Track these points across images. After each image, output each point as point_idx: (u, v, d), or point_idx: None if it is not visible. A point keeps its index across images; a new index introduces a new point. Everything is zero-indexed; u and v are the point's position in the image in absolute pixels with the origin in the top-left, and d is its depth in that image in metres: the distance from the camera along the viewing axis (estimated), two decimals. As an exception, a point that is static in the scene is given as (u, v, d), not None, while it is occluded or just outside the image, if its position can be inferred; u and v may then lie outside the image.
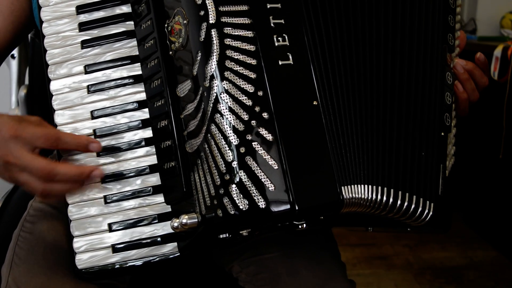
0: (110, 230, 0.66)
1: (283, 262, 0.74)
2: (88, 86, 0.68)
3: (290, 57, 0.59)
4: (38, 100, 0.99)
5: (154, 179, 0.66)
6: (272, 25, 0.59)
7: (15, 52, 1.01)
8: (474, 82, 0.74)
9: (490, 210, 2.14)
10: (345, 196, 0.58)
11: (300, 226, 0.61)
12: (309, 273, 0.73)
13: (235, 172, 0.55)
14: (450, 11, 0.72)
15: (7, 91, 0.99)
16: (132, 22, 0.69)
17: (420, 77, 0.67)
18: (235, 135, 0.55)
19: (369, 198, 0.60)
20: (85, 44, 0.69)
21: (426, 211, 0.63)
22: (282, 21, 0.59)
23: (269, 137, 0.56)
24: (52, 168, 0.57)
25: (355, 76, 0.63)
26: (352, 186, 0.59)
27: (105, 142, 0.67)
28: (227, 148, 0.55)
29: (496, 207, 2.08)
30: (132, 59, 0.68)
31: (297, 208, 0.55)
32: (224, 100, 0.56)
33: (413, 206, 0.62)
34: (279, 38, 0.59)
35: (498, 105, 1.92)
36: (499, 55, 1.96)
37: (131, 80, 0.68)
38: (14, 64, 0.99)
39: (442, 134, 0.68)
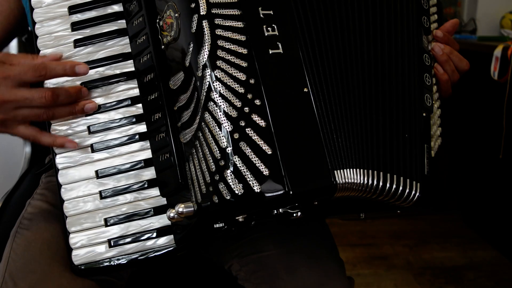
0: (106, 225, 0.70)
1: (281, 259, 0.78)
2: (81, 84, 0.73)
3: (280, 46, 0.64)
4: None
5: (149, 173, 0.71)
6: (261, 15, 0.64)
7: (14, 51, 1.06)
8: (454, 65, 0.79)
9: (490, 210, 2.19)
10: (338, 181, 0.63)
11: (294, 215, 0.66)
12: (307, 270, 0.77)
13: (230, 158, 0.60)
14: None
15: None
16: (123, 21, 0.74)
17: (399, 61, 0.72)
18: (228, 122, 0.60)
19: (361, 182, 0.65)
20: (77, 43, 0.74)
21: (413, 192, 0.68)
22: (271, 12, 0.65)
23: (262, 123, 0.61)
24: (52, 89, 0.65)
25: (342, 63, 0.68)
26: (344, 170, 0.64)
27: (99, 137, 0.72)
28: (221, 135, 0.60)
29: (496, 207, 2.13)
30: (124, 57, 0.73)
31: (291, 192, 0.60)
32: (216, 88, 0.61)
33: (400, 187, 0.67)
34: (268, 28, 0.64)
35: (498, 105, 1.98)
36: (499, 55, 2.03)
37: (123, 77, 0.73)
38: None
39: (424, 114, 0.73)
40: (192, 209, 0.62)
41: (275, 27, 0.64)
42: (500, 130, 1.97)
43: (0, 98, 0.65)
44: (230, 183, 0.59)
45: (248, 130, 0.60)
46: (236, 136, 0.60)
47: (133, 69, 0.73)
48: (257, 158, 0.60)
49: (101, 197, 0.71)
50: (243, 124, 0.61)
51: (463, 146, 2.40)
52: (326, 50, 0.68)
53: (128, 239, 0.70)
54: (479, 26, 2.65)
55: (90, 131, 0.72)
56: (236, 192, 0.59)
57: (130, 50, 0.73)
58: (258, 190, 0.59)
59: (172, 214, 0.63)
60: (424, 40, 0.76)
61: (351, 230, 2.25)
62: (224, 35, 0.63)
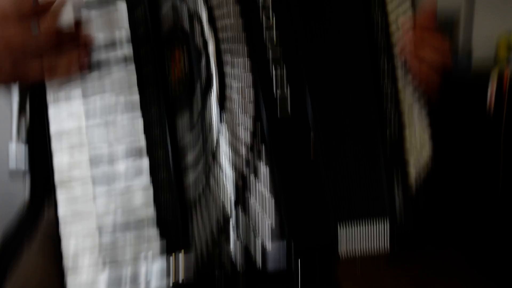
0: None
1: None
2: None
3: (289, 110, 0.62)
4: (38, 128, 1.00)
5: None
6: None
7: None
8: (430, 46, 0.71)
9: (490, 249, 2.18)
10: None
11: None
12: None
13: (233, 228, 0.58)
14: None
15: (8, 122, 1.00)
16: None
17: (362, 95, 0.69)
18: (234, 192, 0.59)
19: None
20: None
21: (384, 230, 0.65)
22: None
23: (266, 192, 0.59)
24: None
25: (343, 124, 0.66)
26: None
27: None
28: (228, 205, 0.59)
29: (496, 245, 2.12)
30: None
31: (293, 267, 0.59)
32: (223, 151, 0.59)
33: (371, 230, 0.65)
34: (278, 91, 0.62)
35: (495, 140, 1.96)
36: (495, 81, 2.01)
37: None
38: (15, 94, 1.00)
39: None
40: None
41: (286, 89, 0.62)
42: (497, 165, 1.95)
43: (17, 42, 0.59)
44: (232, 254, 0.58)
45: (251, 200, 0.59)
46: (239, 206, 0.58)
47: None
48: (261, 229, 0.58)
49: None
50: (247, 195, 0.59)
51: (461, 182, 2.38)
52: (330, 112, 0.66)
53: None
54: (475, 49, 2.63)
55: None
56: (238, 267, 0.58)
57: None
58: (260, 265, 0.58)
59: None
60: (382, 61, 0.71)
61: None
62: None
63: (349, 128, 0.67)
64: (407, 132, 0.72)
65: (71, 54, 0.64)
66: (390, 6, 0.72)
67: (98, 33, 0.71)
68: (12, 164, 0.94)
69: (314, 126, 0.63)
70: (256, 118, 0.60)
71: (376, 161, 0.68)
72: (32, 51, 0.61)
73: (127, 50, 0.70)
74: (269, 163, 0.60)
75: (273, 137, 0.60)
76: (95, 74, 0.70)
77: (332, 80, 0.67)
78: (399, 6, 0.73)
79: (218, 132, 0.59)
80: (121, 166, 0.69)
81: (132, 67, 0.70)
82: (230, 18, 0.61)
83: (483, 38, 2.67)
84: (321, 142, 0.63)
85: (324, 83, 0.66)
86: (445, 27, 2.65)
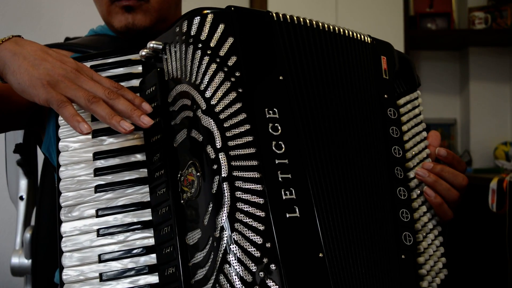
0: None
1: None
2: (98, 229, 0.71)
3: (297, 210, 0.63)
4: (44, 242, 1.01)
5: None
6: (280, 179, 0.64)
7: (24, 194, 1.06)
8: (448, 182, 0.72)
9: None
10: None
11: None
12: None
13: None
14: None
15: (12, 232, 1.02)
16: (145, 169, 0.75)
17: (380, 204, 0.71)
18: (243, 286, 0.58)
19: None
20: (98, 188, 0.74)
21: None
22: (289, 175, 0.65)
23: None
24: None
25: (353, 223, 0.68)
26: None
27: (110, 286, 0.69)
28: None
29: None
30: (143, 205, 0.72)
31: None
32: (233, 251, 0.60)
33: None
34: (286, 192, 0.64)
35: (499, 237, 1.94)
36: (495, 187, 2.04)
37: (140, 226, 0.71)
38: (22, 205, 1.03)
39: (403, 256, 0.69)
40: None
41: (293, 190, 0.64)
42: (504, 262, 1.91)
43: (80, 66, 0.70)
44: None
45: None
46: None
47: (150, 218, 0.72)
48: (271, 327, 0.57)
49: None
50: None
51: (467, 280, 2.31)
52: (341, 213, 0.67)
53: None
54: (473, 158, 2.69)
55: (101, 278, 0.69)
56: None
57: (149, 199, 0.73)
58: None
59: None
60: (397, 172, 0.74)
61: None
62: (244, 197, 0.62)
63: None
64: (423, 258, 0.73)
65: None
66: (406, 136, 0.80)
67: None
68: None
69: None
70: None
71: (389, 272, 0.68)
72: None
73: (141, 172, 0.74)
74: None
75: (281, 237, 0.61)
76: (110, 195, 0.73)
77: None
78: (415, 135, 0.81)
79: (228, 251, 0.60)
80: (131, 282, 0.69)
81: (146, 189, 0.73)
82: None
83: (481, 150, 2.74)
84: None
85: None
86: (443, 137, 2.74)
